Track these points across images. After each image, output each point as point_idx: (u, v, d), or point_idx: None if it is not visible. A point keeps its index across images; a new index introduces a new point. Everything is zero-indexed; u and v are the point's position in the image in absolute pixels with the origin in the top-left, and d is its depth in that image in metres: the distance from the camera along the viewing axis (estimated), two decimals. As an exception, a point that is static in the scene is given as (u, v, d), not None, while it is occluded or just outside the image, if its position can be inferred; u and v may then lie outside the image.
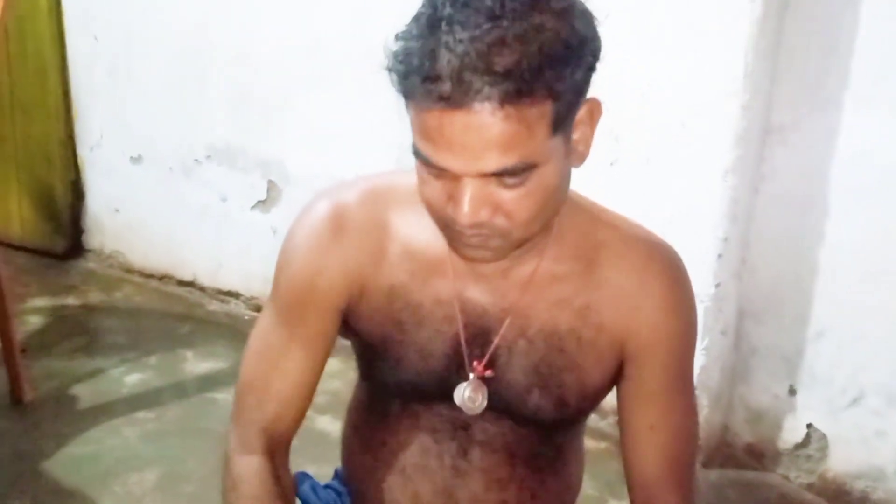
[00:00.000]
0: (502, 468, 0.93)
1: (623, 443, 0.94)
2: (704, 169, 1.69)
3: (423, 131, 0.74)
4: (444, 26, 0.71)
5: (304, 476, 1.11)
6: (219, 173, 2.40)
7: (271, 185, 2.33)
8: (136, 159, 2.54)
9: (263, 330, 0.93)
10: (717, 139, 1.66)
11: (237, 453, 0.92)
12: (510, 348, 0.89)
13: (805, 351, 1.79)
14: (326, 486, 1.09)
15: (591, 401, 0.93)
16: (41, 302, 2.46)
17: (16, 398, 1.95)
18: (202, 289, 2.52)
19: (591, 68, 0.77)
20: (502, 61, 0.70)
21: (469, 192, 0.75)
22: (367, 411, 0.99)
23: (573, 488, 1.02)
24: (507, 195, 0.75)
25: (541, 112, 0.72)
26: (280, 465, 0.93)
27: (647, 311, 0.89)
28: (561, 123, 0.74)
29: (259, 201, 2.36)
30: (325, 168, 2.22)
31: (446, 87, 0.70)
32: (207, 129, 2.38)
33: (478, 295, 0.88)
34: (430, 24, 0.72)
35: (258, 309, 2.41)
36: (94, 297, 2.52)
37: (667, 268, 0.90)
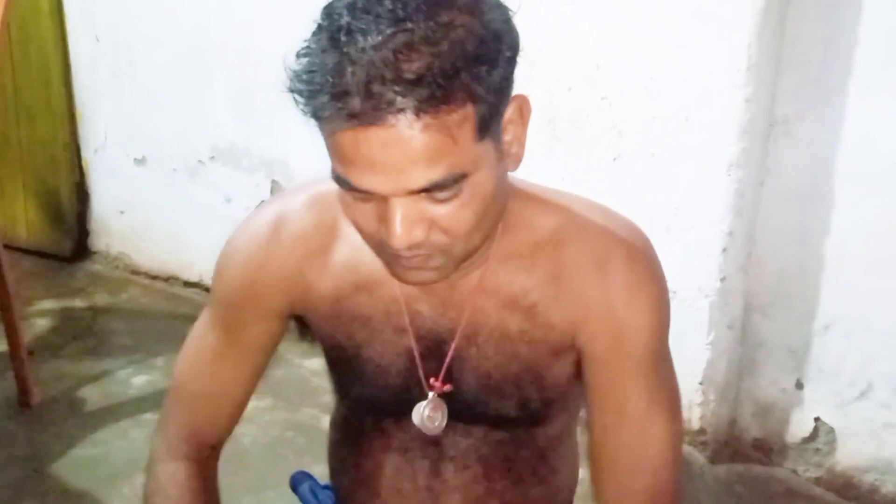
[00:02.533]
0: (478, 484, 0.90)
1: (588, 444, 0.89)
2: (709, 163, 1.68)
3: (339, 154, 0.69)
4: (344, 37, 0.66)
5: (304, 476, 1.09)
6: (223, 174, 2.40)
7: (275, 185, 2.33)
8: (141, 161, 2.55)
9: (198, 334, 0.91)
10: (721, 132, 1.65)
11: (162, 459, 0.90)
12: (462, 358, 0.85)
13: (812, 344, 1.78)
14: (325, 487, 1.07)
15: (556, 393, 0.88)
16: (48, 304, 2.47)
17: (24, 401, 1.96)
18: (208, 290, 2.52)
19: (511, 64, 0.71)
20: (412, 67, 0.64)
21: (399, 214, 0.70)
22: (343, 431, 0.97)
23: (563, 491, 0.97)
24: (441, 210, 0.71)
25: (462, 117, 0.67)
26: (207, 470, 0.91)
27: (603, 300, 0.82)
28: (486, 127, 0.70)
29: (262, 201, 2.35)
30: (329, 167, 2.22)
31: (356, 102, 0.65)
32: (211, 130, 2.39)
33: (426, 306, 0.85)
34: (330, 37, 0.67)
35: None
36: (101, 298, 2.53)
37: (625, 252, 0.83)
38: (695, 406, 1.81)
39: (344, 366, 0.89)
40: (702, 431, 1.82)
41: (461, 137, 0.68)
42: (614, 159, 1.79)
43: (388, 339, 0.86)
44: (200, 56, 2.33)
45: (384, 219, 0.71)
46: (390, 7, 0.66)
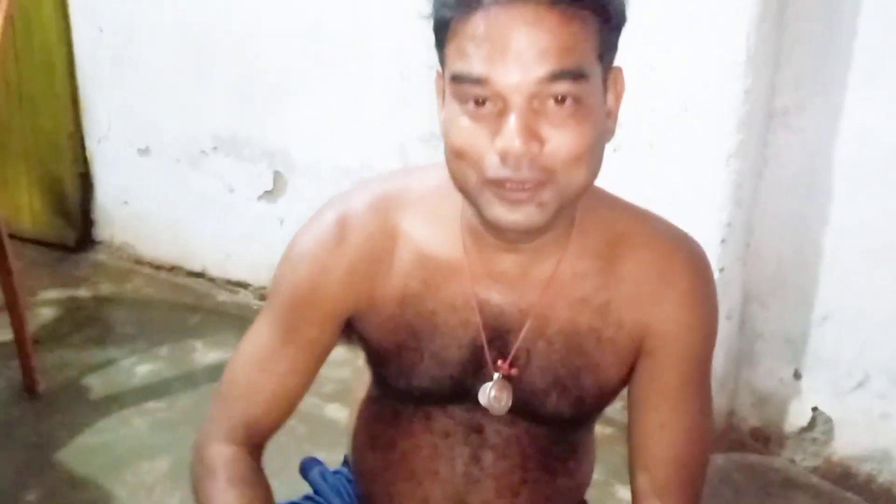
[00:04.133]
0: (515, 473, 0.91)
1: (631, 440, 0.91)
2: (707, 154, 1.69)
3: (468, 45, 0.71)
4: None
5: (314, 462, 1.10)
6: (225, 164, 2.41)
7: (277, 176, 2.34)
8: (144, 151, 2.56)
9: (257, 332, 0.91)
10: (720, 124, 1.66)
11: (214, 442, 0.88)
12: (529, 350, 0.86)
13: (810, 334, 1.79)
14: (336, 472, 1.09)
15: (608, 399, 0.91)
16: (53, 294, 2.49)
17: (29, 388, 1.97)
18: (211, 279, 2.55)
19: (622, 24, 0.77)
20: None
21: (519, 118, 0.71)
22: (378, 409, 0.97)
23: (584, 484, 1.00)
24: (555, 131, 0.72)
25: (589, 26, 0.72)
26: (259, 458, 0.91)
27: (668, 305, 0.86)
28: (605, 50, 0.74)
29: (266, 191, 2.37)
30: (331, 157, 2.23)
31: None
32: (213, 120, 2.40)
33: (496, 296, 0.86)
34: None
35: (266, 298, 2.43)
36: (105, 288, 2.54)
37: (689, 262, 0.87)
38: (693, 396, 1.82)
39: (398, 361, 0.89)
40: (700, 421, 1.84)
41: (585, 42, 0.72)
42: (614, 150, 1.79)
43: (452, 332, 0.86)
44: (203, 46, 2.34)
45: (500, 131, 0.72)
46: None
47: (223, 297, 2.50)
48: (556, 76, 0.71)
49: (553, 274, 0.84)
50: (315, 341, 0.89)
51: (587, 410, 0.91)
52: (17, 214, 2.79)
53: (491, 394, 0.86)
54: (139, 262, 2.67)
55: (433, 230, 0.84)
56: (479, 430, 0.90)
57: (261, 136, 2.33)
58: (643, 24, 1.67)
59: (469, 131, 0.74)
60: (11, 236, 2.62)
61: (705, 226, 1.72)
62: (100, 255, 2.73)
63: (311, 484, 1.08)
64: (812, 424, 1.83)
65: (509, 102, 0.71)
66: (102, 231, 2.74)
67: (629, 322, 0.86)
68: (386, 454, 0.94)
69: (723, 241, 1.72)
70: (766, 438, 1.89)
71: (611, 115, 0.80)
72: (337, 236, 0.85)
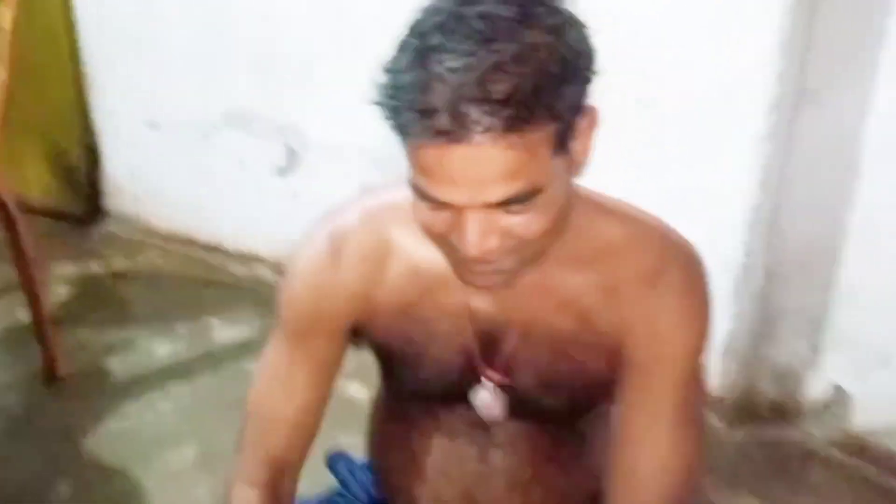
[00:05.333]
0: (524, 469, 0.93)
1: (612, 447, 0.90)
2: (737, 137, 1.66)
3: (421, 167, 0.72)
4: (434, 56, 0.67)
5: (340, 455, 1.13)
6: (237, 139, 2.37)
7: (290, 152, 2.30)
8: (153, 125, 2.51)
9: (269, 358, 0.93)
10: (750, 107, 1.62)
11: (238, 483, 0.92)
12: (517, 354, 0.89)
13: (833, 313, 1.79)
14: (363, 466, 1.10)
15: (605, 391, 0.90)
16: (66, 270, 2.48)
17: (50, 374, 1.97)
18: (225, 252, 2.53)
19: (588, 80, 0.74)
20: (499, 88, 0.66)
21: (474, 225, 0.72)
22: (389, 411, 1.00)
23: (601, 471, 0.99)
24: (514, 220, 0.73)
25: (543, 135, 0.70)
26: (284, 495, 0.93)
27: (650, 311, 0.85)
28: (563, 142, 0.72)
29: (279, 167, 2.34)
30: (345, 135, 2.19)
31: (443, 120, 0.67)
32: (224, 95, 2.34)
33: (485, 305, 0.88)
34: (419, 55, 0.68)
35: (282, 273, 2.42)
36: (118, 262, 2.53)
37: (677, 267, 0.86)
38: (715, 375, 1.83)
39: (402, 365, 0.92)
40: (721, 399, 1.85)
41: (540, 154, 0.70)
42: (641, 132, 1.76)
43: (448, 338, 0.89)
44: (216, 20, 2.27)
45: (459, 228, 0.74)
46: (478, 28, 0.67)
47: (238, 270, 2.49)
48: (507, 202, 0.72)
49: (537, 282, 0.85)
50: (324, 356, 0.92)
51: (583, 406, 0.92)
52: (26, 186, 2.76)
53: (484, 402, 0.90)
54: (150, 234, 2.65)
55: (422, 244, 0.84)
56: (485, 428, 0.92)
57: (272, 112, 2.28)
58: (676, 6, 1.63)
59: (430, 219, 0.76)
60: (21, 208, 2.61)
61: (732, 208, 1.71)
62: (110, 227, 2.71)
63: (338, 477, 1.10)
64: (832, 400, 1.85)
65: (465, 211, 0.73)
66: (112, 202, 2.71)
67: (609, 328, 0.86)
68: (398, 454, 0.97)
69: (750, 224, 1.71)
70: (785, 412, 1.90)
71: (583, 153, 0.78)
72: (332, 254, 0.88)
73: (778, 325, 1.86)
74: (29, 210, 2.70)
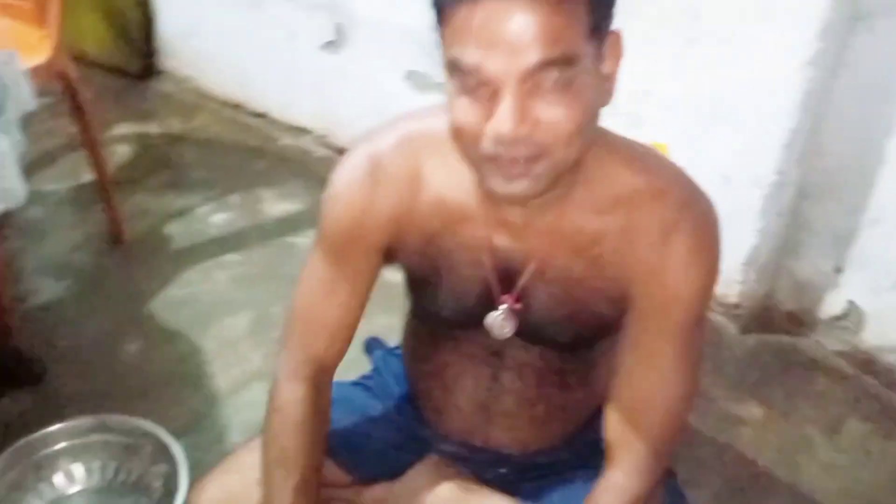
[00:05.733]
0: (531, 389, 1.03)
1: (613, 379, 0.97)
2: (784, 57, 1.65)
3: (461, 33, 0.74)
4: None
5: (376, 342, 1.27)
6: (286, 9, 2.38)
7: (339, 27, 2.32)
8: (204, -14, 2.53)
9: (312, 268, 1.00)
10: (800, 28, 1.61)
11: (284, 379, 1.00)
12: (531, 288, 0.95)
13: (857, 234, 1.84)
14: (395, 352, 1.23)
15: (609, 330, 0.97)
16: (125, 129, 2.58)
17: (116, 237, 2.11)
18: (274, 122, 2.61)
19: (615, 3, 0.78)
20: None
21: (511, 101, 0.74)
22: (416, 327, 1.11)
23: (602, 391, 1.09)
24: (548, 109, 0.75)
25: (578, 8, 0.73)
26: (323, 391, 1.03)
27: (659, 268, 0.89)
28: (596, 28, 0.75)
29: (328, 42, 2.36)
30: (392, 16, 2.19)
31: None
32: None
33: (504, 242, 0.94)
34: None
35: (328, 146, 2.51)
36: (174, 125, 2.63)
37: (690, 221, 0.89)
38: (734, 283, 1.92)
39: (424, 289, 1.01)
40: (737, 305, 1.95)
41: (575, 26, 0.73)
42: (689, 42, 1.76)
43: (467, 269, 0.96)
44: None
45: (493, 113, 0.75)
46: None
47: (286, 140, 2.57)
48: (545, 64, 0.73)
49: (554, 223, 0.90)
50: (362, 271, 0.99)
51: (587, 339, 0.99)
52: (82, 39, 2.82)
53: (496, 321, 0.97)
54: (204, 95, 2.73)
55: (451, 176, 0.90)
56: (498, 354, 1.01)
57: (323, -14, 2.29)
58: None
59: (466, 111, 0.78)
60: (77, 59, 2.67)
61: (770, 129, 1.73)
62: (165, 86, 2.79)
63: (373, 362, 1.24)
64: (845, 314, 1.93)
65: (501, 87, 0.74)
66: (167, 61, 2.78)
67: (618, 275, 0.91)
68: (423, 366, 1.09)
69: (785, 144, 1.74)
70: (799, 322, 2.00)
71: (608, 80, 0.81)
72: (369, 176, 0.93)
73: (803, 241, 1.92)
74: (86, 63, 2.79)
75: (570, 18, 0.72)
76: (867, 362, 1.92)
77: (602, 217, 0.90)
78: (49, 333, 1.83)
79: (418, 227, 0.95)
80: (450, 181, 0.91)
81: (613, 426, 0.97)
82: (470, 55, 0.73)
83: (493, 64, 0.73)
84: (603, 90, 0.81)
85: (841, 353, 1.95)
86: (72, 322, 1.88)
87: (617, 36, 0.81)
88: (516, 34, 0.71)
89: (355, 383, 1.20)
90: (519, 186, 0.81)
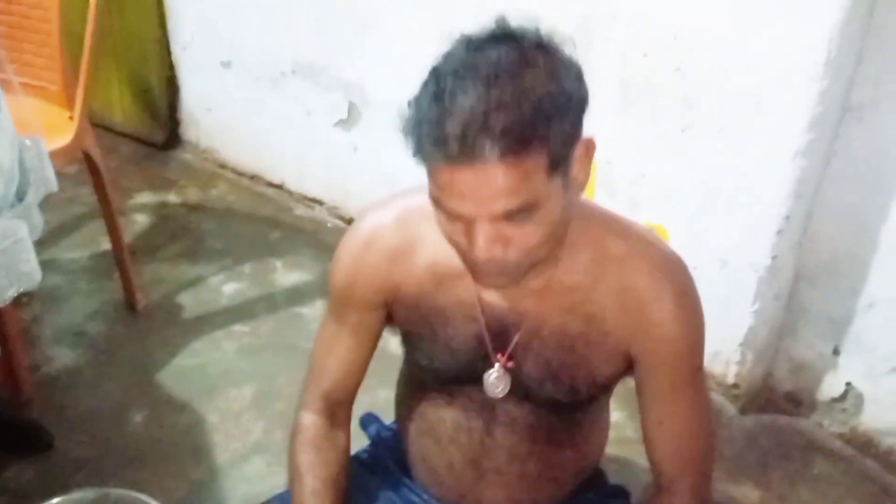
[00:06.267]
0: (523, 444, 1.09)
1: (643, 433, 1.08)
2: (775, 147, 1.70)
3: (437, 184, 0.86)
4: (447, 97, 0.82)
5: (372, 418, 1.33)
6: (303, 88, 2.49)
7: (352, 106, 2.41)
8: (226, 64, 2.64)
9: (324, 320, 1.16)
10: (791, 120, 1.66)
11: (303, 409, 1.15)
12: (526, 346, 1.03)
13: (853, 318, 1.86)
14: (390, 429, 1.30)
15: (602, 388, 1.07)
16: (146, 197, 2.68)
17: (130, 305, 2.17)
18: (289, 192, 2.69)
19: (580, 115, 0.88)
20: (500, 122, 0.81)
21: (482, 233, 0.87)
22: (410, 384, 1.19)
23: (593, 454, 1.19)
24: (516, 231, 0.87)
25: (537, 160, 0.83)
26: (338, 418, 1.15)
27: (654, 319, 1.00)
28: (557, 167, 0.85)
29: (341, 120, 2.45)
30: (400, 95, 2.27)
31: (453, 148, 0.82)
32: (293, 45, 2.45)
33: (496, 299, 1.03)
34: (435, 96, 0.83)
35: (339, 217, 2.58)
36: (193, 194, 2.72)
37: (675, 280, 1.01)
38: (732, 364, 1.94)
39: (420, 345, 1.09)
40: (735, 385, 1.97)
41: (535, 175, 0.84)
42: (682, 130, 1.82)
43: (461, 325, 1.05)
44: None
45: (469, 235, 0.89)
46: (485, 73, 0.82)
47: (300, 210, 2.65)
48: (509, 213, 0.86)
49: (545, 285, 1.00)
50: (361, 325, 1.11)
51: (582, 397, 1.06)
52: (110, 109, 2.95)
53: (491, 380, 1.06)
54: (223, 166, 2.83)
55: (444, 243, 0.98)
56: (491, 408, 1.08)
57: (337, 66, 2.38)
58: (726, 11, 1.66)
59: (448, 226, 0.91)
60: (105, 128, 2.77)
61: (764, 215, 1.77)
62: (186, 155, 2.89)
63: (369, 437, 1.31)
64: (843, 396, 1.94)
65: (475, 221, 0.87)
66: (188, 132, 2.89)
67: (615, 331, 1.01)
68: (419, 423, 1.16)
69: (779, 231, 1.77)
70: (798, 402, 2.01)
71: (577, 181, 0.91)
72: (365, 247, 1.07)
73: (801, 323, 1.94)
74: (113, 132, 2.91)
75: (530, 171, 0.83)
76: (866, 444, 1.92)
77: (591, 276, 1.00)
78: (59, 401, 1.89)
79: (413, 286, 1.05)
80: (443, 246, 0.99)
81: (661, 458, 1.06)
82: (448, 202, 0.87)
83: (467, 210, 0.86)
84: (575, 189, 0.91)
85: (840, 435, 1.96)
86: (83, 390, 1.94)
87: (588, 142, 0.90)
88: (483, 192, 0.84)
89: (353, 456, 1.25)
90: (498, 281, 0.95)
